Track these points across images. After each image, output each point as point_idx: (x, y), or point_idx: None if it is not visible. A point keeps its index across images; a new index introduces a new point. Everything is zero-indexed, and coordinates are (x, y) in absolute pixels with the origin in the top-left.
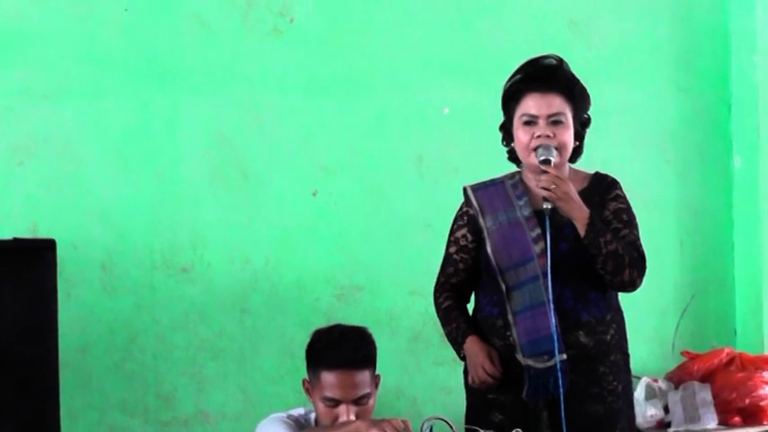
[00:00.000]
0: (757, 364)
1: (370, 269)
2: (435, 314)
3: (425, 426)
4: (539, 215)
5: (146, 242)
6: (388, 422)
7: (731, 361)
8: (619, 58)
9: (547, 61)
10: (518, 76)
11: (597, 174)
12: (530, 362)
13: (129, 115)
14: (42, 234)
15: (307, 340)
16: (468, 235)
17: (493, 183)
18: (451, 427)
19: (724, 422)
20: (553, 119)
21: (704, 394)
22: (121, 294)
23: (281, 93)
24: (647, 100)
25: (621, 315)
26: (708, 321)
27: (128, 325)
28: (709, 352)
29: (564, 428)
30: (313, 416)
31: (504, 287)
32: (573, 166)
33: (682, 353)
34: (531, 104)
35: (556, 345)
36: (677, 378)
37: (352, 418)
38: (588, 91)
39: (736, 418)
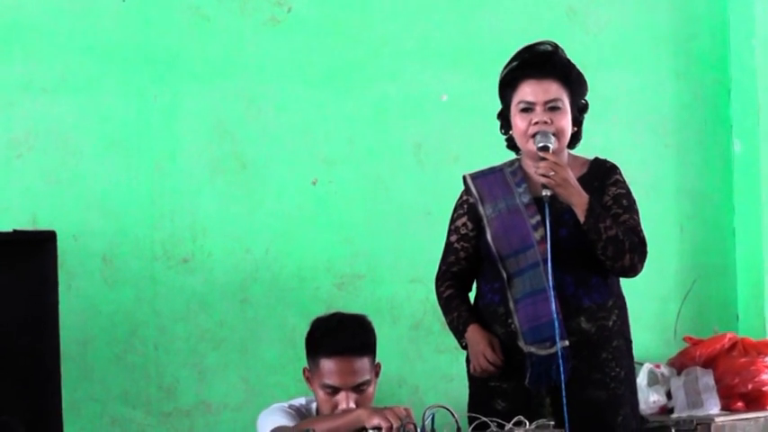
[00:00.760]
0: (759, 348)
1: (371, 258)
2: (436, 302)
3: (427, 414)
4: (538, 202)
5: (146, 233)
6: (390, 410)
7: (733, 346)
8: (617, 45)
9: (542, 47)
10: (514, 64)
11: (596, 159)
12: (532, 349)
13: (128, 107)
14: (42, 226)
15: (307, 329)
16: (469, 223)
17: (492, 171)
18: (453, 416)
19: (727, 407)
20: (550, 105)
21: (707, 380)
22: (122, 286)
23: (280, 82)
24: (646, 86)
25: (624, 301)
26: (709, 307)
27: (129, 316)
28: (712, 337)
29: (565, 415)
30: (314, 405)
31: (504, 274)
32: (572, 151)
33: (684, 338)
34: (528, 91)
35: (557, 331)
36: (679, 364)
37: (352, 405)
38: (585, 76)
39: (739, 404)
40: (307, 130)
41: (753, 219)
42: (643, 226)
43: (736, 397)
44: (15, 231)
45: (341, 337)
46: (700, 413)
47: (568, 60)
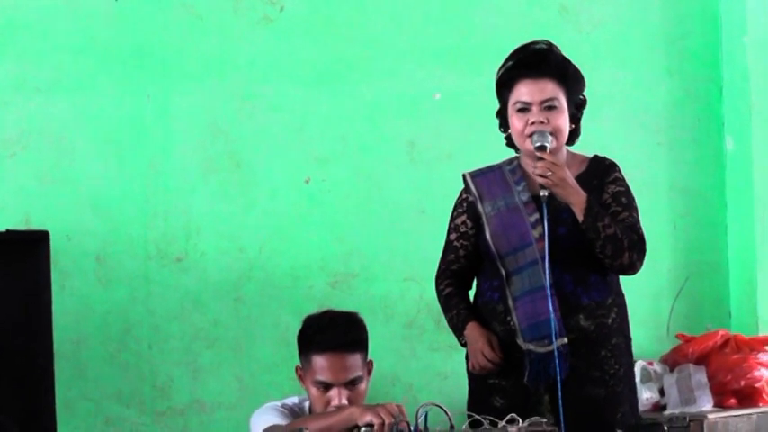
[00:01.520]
0: (752, 345)
1: (364, 256)
2: (430, 300)
3: (420, 412)
4: (537, 200)
5: (139, 232)
6: (382, 407)
7: (726, 343)
8: (610, 43)
9: (537, 47)
10: (509, 63)
11: (596, 157)
12: (530, 346)
13: (122, 106)
14: (36, 226)
15: (299, 327)
16: (468, 221)
17: (491, 169)
18: (447, 414)
19: (719, 404)
20: (546, 104)
21: (699, 376)
22: (116, 285)
23: (273, 81)
24: (638, 84)
25: (623, 298)
26: (702, 304)
27: (122, 315)
28: (704, 334)
29: (561, 412)
30: (307, 404)
31: (503, 272)
32: (571, 149)
33: (676, 335)
34: (524, 91)
35: (554, 329)
36: (672, 361)
37: (344, 401)
38: (581, 72)
39: (732, 400)
40: (300, 129)
41: (745, 216)
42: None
43: (728, 394)
44: (9, 231)
45: (332, 334)
46: (692, 410)
47: (564, 58)
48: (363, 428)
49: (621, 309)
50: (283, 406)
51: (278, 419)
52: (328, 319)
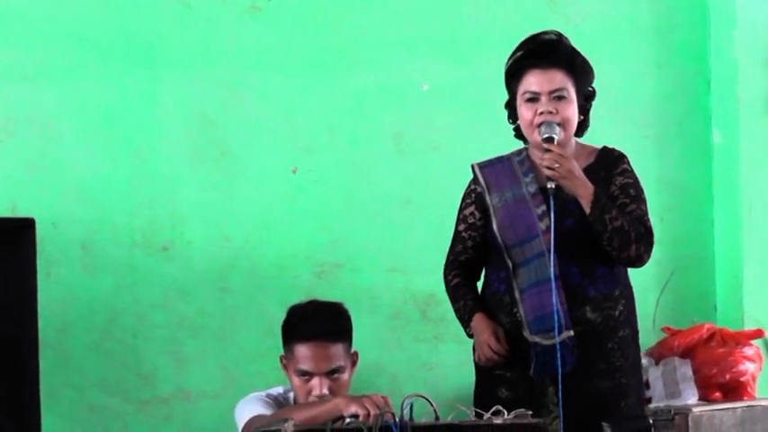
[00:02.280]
0: (737, 339)
1: (350, 246)
2: (415, 291)
3: (405, 403)
4: (544, 192)
5: (125, 221)
6: (368, 398)
7: (711, 336)
8: (598, 35)
9: (546, 37)
10: (518, 54)
11: (604, 148)
12: (536, 338)
13: (108, 94)
14: (21, 213)
15: (284, 317)
16: (476, 212)
17: (500, 160)
18: (432, 405)
19: (704, 397)
20: (555, 94)
21: (685, 370)
22: (101, 273)
23: (260, 71)
24: (626, 76)
25: (631, 290)
26: (688, 297)
27: (107, 304)
28: (690, 328)
29: (560, 405)
30: (292, 394)
31: (510, 264)
32: (579, 140)
33: (662, 329)
34: (533, 81)
35: (556, 323)
36: (658, 354)
37: (325, 391)
38: (590, 64)
39: (717, 394)
40: (287, 119)
41: (732, 210)
42: None
43: (713, 387)
44: None
45: (314, 323)
46: (677, 403)
47: (573, 49)
48: (348, 419)
49: (629, 301)
50: (268, 396)
51: (263, 409)
52: (312, 309)
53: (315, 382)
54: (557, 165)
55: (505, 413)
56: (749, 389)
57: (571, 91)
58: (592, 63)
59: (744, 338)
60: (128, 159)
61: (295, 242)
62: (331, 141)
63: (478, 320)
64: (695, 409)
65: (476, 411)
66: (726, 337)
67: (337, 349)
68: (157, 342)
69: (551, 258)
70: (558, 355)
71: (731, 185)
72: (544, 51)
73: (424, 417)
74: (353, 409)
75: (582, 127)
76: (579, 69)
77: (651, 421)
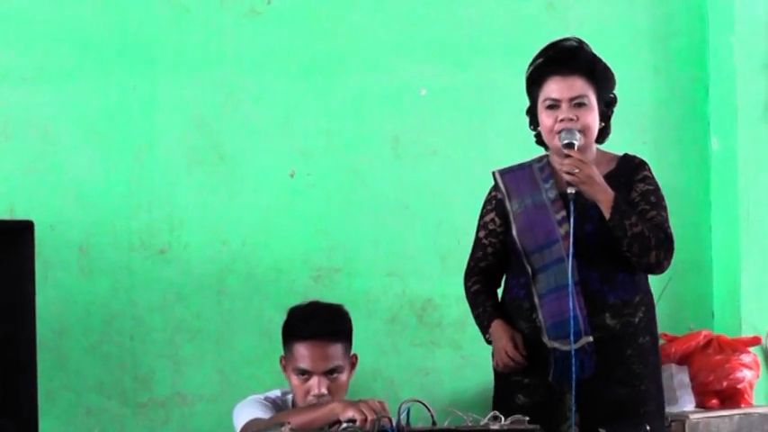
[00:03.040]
0: (735, 346)
1: (348, 251)
2: (412, 296)
3: (402, 408)
4: (564, 197)
5: (123, 224)
6: (364, 403)
7: (708, 343)
8: (596, 40)
9: (567, 44)
10: (539, 60)
11: (626, 155)
12: (555, 344)
13: (107, 97)
14: (20, 216)
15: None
16: (497, 219)
17: (521, 167)
18: (429, 410)
19: (701, 404)
20: (576, 101)
21: (681, 376)
22: (99, 276)
23: (259, 74)
24: (624, 82)
25: (651, 297)
26: (685, 304)
27: (105, 307)
28: (687, 334)
29: (573, 410)
30: (290, 397)
31: (529, 270)
32: (601, 147)
33: (659, 335)
34: (554, 88)
35: (572, 329)
36: None
37: (324, 391)
38: (612, 70)
39: (714, 401)
40: (285, 123)
41: (729, 216)
42: None
43: (710, 394)
44: None
45: (314, 322)
46: (674, 410)
47: (594, 56)
48: (345, 424)
49: (649, 307)
50: (266, 399)
51: (260, 412)
52: (312, 309)
53: (313, 381)
54: (576, 170)
55: (503, 418)
56: (746, 396)
57: (592, 98)
58: None
59: (741, 345)
60: (126, 162)
61: (292, 246)
62: (329, 145)
63: (497, 327)
64: (692, 416)
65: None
66: (723, 343)
67: (336, 349)
68: (155, 345)
69: (570, 263)
70: (576, 360)
71: (729, 192)
72: (565, 58)
73: (420, 422)
74: (350, 413)
75: (603, 134)
76: (600, 76)
77: (648, 428)
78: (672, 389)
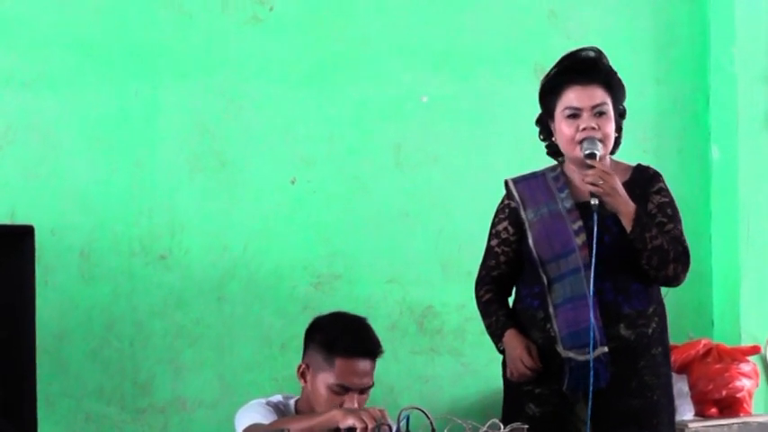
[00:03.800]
0: (734, 355)
1: (348, 258)
2: (412, 303)
3: (402, 415)
4: (580, 207)
5: (124, 229)
6: (365, 411)
7: (708, 352)
8: None
9: (586, 53)
10: (557, 70)
11: (639, 166)
12: (570, 354)
13: (108, 102)
14: (20, 220)
15: (283, 328)
16: (510, 228)
17: (534, 175)
18: (429, 418)
19: (701, 413)
20: (597, 110)
21: (681, 385)
22: (99, 281)
23: (260, 81)
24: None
25: (663, 308)
26: (685, 312)
27: (105, 312)
28: (686, 343)
29: (588, 420)
30: (292, 402)
31: (545, 279)
32: (613, 157)
33: None
34: (574, 97)
35: (591, 339)
36: None
37: (356, 406)
38: (623, 81)
39: (713, 410)
40: (286, 130)
41: (729, 226)
42: None
43: (709, 403)
44: None
45: (363, 339)
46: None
47: (611, 66)
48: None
49: (662, 318)
50: (268, 403)
51: (262, 417)
52: (356, 323)
53: (347, 397)
54: (601, 181)
55: (502, 426)
56: (745, 405)
57: (610, 107)
58: None
59: (740, 354)
60: (127, 168)
61: (293, 253)
62: (330, 152)
63: (511, 336)
64: (691, 425)
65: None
66: (722, 352)
67: (374, 366)
68: (155, 351)
69: (592, 274)
70: (591, 370)
71: (729, 201)
72: (585, 68)
73: (420, 429)
74: (350, 421)
75: (616, 143)
76: (616, 86)
77: None
78: None
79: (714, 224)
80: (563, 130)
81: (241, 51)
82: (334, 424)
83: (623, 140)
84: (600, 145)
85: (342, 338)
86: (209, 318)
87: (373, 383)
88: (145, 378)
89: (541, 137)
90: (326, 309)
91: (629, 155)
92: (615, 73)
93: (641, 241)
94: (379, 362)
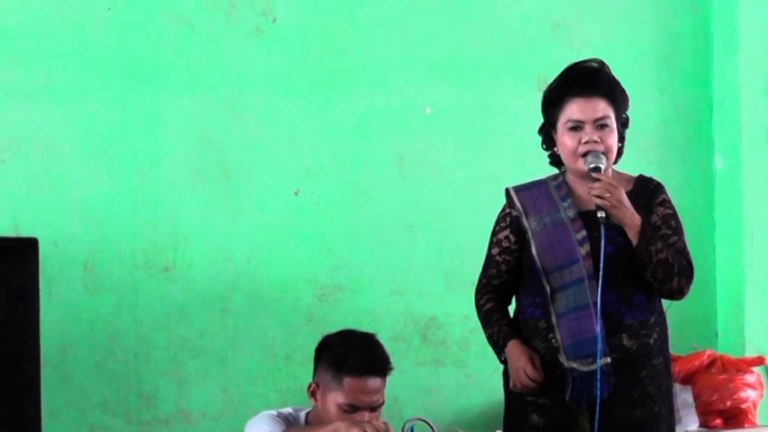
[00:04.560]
0: (738, 366)
1: (352, 269)
2: (416, 314)
3: (406, 427)
4: (584, 217)
5: (128, 241)
6: (369, 423)
7: (712, 363)
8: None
9: (588, 65)
10: (560, 81)
11: (641, 177)
12: (573, 364)
13: (112, 114)
14: (24, 233)
15: (287, 340)
16: (511, 236)
17: (535, 184)
18: (432, 429)
19: (705, 424)
20: (599, 123)
21: (685, 396)
22: (103, 293)
23: (264, 92)
24: None
25: (664, 318)
26: (689, 323)
27: (109, 324)
28: (691, 354)
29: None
30: (302, 414)
31: (548, 289)
32: (615, 168)
33: None
34: (576, 109)
35: (599, 349)
36: None
37: None
38: (627, 91)
39: (717, 420)
40: (290, 141)
41: (734, 236)
42: None
43: (714, 414)
44: None
45: (372, 357)
46: (678, 429)
47: (614, 77)
48: None
49: (663, 329)
50: (279, 415)
51: (271, 428)
52: (365, 341)
53: (358, 415)
54: (607, 194)
55: None
56: (750, 416)
57: (612, 119)
58: None
59: (745, 365)
60: (130, 180)
61: (297, 264)
62: (333, 164)
63: (514, 347)
64: None
65: None
66: (727, 363)
67: (384, 383)
68: (158, 363)
69: (599, 285)
70: (598, 379)
71: (733, 212)
72: (587, 80)
73: None
74: None
75: (618, 153)
76: (619, 97)
77: None
78: (675, 408)
79: (718, 234)
80: (565, 142)
81: (244, 63)
82: None
83: (626, 150)
84: (603, 158)
85: (350, 357)
86: (213, 330)
87: (384, 401)
88: (149, 390)
89: (544, 146)
90: (330, 320)
91: (633, 165)
92: (618, 84)
93: (647, 254)
94: None
